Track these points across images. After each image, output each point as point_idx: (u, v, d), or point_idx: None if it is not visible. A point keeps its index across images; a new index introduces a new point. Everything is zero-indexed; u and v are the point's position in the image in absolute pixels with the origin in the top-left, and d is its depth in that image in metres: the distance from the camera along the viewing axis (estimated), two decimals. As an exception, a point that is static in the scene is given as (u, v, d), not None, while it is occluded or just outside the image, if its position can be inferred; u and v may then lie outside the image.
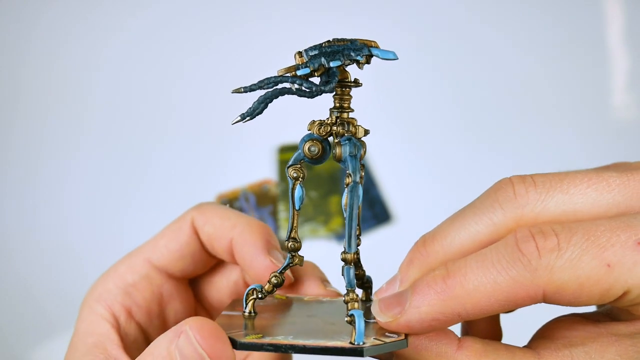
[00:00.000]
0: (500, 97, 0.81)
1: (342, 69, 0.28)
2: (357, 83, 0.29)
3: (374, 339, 0.27)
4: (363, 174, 0.29)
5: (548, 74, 0.81)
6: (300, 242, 0.31)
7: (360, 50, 0.28)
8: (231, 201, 0.70)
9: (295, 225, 0.30)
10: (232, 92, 0.28)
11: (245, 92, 0.27)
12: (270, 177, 0.70)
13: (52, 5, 0.81)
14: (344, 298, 0.29)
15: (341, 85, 0.29)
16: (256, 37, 0.77)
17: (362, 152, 0.29)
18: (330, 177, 0.77)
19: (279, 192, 0.69)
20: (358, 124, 0.29)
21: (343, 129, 0.29)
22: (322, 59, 0.27)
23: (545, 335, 0.29)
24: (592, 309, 0.30)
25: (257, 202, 0.71)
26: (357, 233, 0.30)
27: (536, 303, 0.27)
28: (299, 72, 0.27)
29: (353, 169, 0.28)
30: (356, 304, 0.28)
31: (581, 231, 0.26)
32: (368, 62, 0.28)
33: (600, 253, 0.26)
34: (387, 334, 0.28)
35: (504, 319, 0.33)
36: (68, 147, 0.83)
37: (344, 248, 0.29)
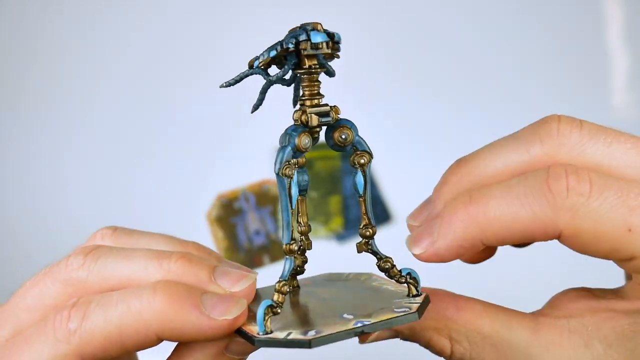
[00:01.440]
0: (500, 97, 0.81)
1: (304, 57, 0.27)
2: (321, 69, 0.28)
3: (407, 303, 0.28)
4: None
5: (548, 74, 0.81)
6: (298, 240, 0.30)
7: (294, 37, 0.27)
8: (231, 201, 0.70)
9: (294, 225, 0.29)
10: (220, 87, 0.28)
11: (228, 86, 0.27)
12: (270, 177, 0.70)
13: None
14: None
15: (307, 73, 0.28)
16: (257, 38, 0.78)
17: None
18: (330, 177, 0.77)
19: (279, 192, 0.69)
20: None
21: (336, 112, 0.28)
22: (267, 51, 0.27)
23: (549, 304, 0.30)
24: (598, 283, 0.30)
25: (257, 202, 0.71)
26: (366, 223, 0.30)
27: (551, 239, 0.27)
28: (255, 64, 0.27)
29: (367, 145, 0.28)
30: (395, 268, 0.29)
31: (616, 188, 0.26)
32: (313, 47, 0.27)
33: (627, 215, 0.26)
34: (394, 309, 0.28)
35: (519, 296, 0.34)
36: (66, 147, 0.83)
37: (370, 224, 0.29)
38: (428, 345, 0.30)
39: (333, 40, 0.27)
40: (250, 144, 0.77)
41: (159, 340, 0.27)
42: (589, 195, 0.26)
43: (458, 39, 0.80)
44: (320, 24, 0.27)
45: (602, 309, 0.28)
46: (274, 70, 0.28)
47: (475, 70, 0.81)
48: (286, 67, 0.27)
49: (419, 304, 0.28)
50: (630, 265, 0.27)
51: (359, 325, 0.27)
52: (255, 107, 0.28)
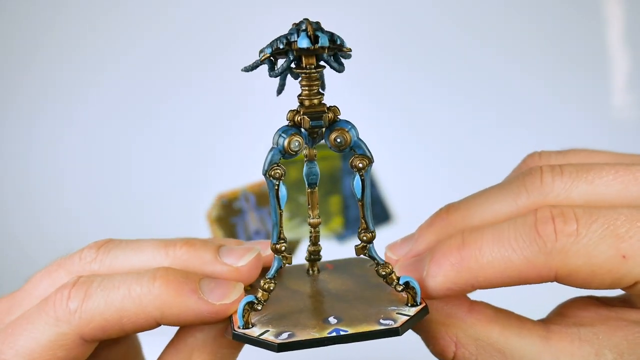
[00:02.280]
0: (500, 98, 0.81)
1: (297, 51, 0.27)
2: (309, 67, 0.27)
3: (398, 314, 0.28)
4: None
5: (547, 74, 0.81)
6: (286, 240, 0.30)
7: (285, 37, 0.26)
8: (231, 201, 0.70)
9: (282, 225, 0.29)
10: (241, 70, 0.28)
11: (246, 71, 0.27)
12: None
13: None
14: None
15: (305, 72, 0.27)
16: (259, 38, 0.77)
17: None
18: (331, 177, 0.77)
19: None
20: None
21: (334, 113, 0.28)
22: (268, 45, 0.27)
23: (559, 312, 0.30)
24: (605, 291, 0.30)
25: (257, 202, 0.71)
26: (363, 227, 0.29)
27: (548, 282, 0.27)
28: (259, 56, 0.27)
29: (367, 149, 0.28)
30: (394, 275, 0.28)
31: (602, 218, 0.26)
32: (300, 50, 0.26)
33: (618, 243, 0.26)
34: (380, 320, 0.28)
35: (527, 297, 0.34)
36: (66, 147, 0.83)
37: (368, 228, 0.29)
38: (430, 340, 0.29)
39: (317, 43, 0.26)
40: (250, 143, 0.77)
41: (158, 324, 0.28)
42: (576, 233, 0.26)
43: (457, 38, 0.80)
44: (312, 24, 0.26)
45: (613, 317, 0.28)
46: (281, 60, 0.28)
47: (475, 70, 0.81)
48: (284, 64, 0.27)
49: (409, 318, 0.27)
50: (635, 289, 0.27)
51: (333, 334, 0.27)
52: (278, 92, 0.28)
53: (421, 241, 0.30)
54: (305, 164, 0.30)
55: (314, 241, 0.32)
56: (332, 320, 0.28)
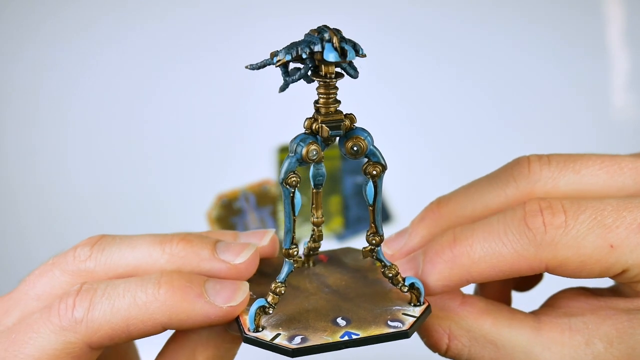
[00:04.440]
0: (499, 97, 0.81)
1: (320, 61, 0.26)
2: (330, 77, 0.26)
3: (404, 314, 0.28)
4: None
5: (547, 74, 0.81)
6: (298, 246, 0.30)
7: (308, 46, 0.26)
8: (231, 201, 0.70)
9: (295, 231, 0.29)
10: (245, 67, 0.27)
11: (252, 69, 0.27)
12: (270, 177, 0.70)
13: None
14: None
15: (323, 80, 0.27)
16: (258, 38, 0.78)
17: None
18: (331, 177, 0.77)
19: (279, 192, 0.69)
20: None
21: (351, 121, 0.27)
22: (286, 50, 0.26)
23: (549, 303, 0.30)
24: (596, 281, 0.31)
25: (257, 202, 0.71)
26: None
27: (539, 272, 0.28)
28: (274, 60, 0.26)
29: (381, 157, 0.28)
30: (400, 277, 0.29)
31: (590, 210, 0.27)
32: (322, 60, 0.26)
33: (605, 233, 0.26)
34: (388, 322, 0.28)
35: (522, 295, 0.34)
36: (64, 148, 0.83)
37: (377, 232, 0.29)
38: (424, 333, 0.30)
39: (346, 57, 0.25)
40: (250, 144, 0.77)
41: (165, 329, 0.28)
42: (565, 225, 0.27)
43: (457, 38, 0.80)
44: (337, 34, 0.25)
45: (602, 307, 0.28)
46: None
47: (475, 70, 0.81)
48: (302, 71, 0.26)
49: (415, 319, 0.28)
50: (623, 277, 0.27)
51: (345, 338, 0.27)
52: (282, 89, 0.27)
53: (414, 235, 0.31)
54: (312, 166, 0.30)
55: (317, 239, 0.32)
56: (340, 322, 0.28)
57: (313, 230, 0.32)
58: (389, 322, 0.28)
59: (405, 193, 0.72)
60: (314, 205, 0.32)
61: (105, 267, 0.29)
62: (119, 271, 0.29)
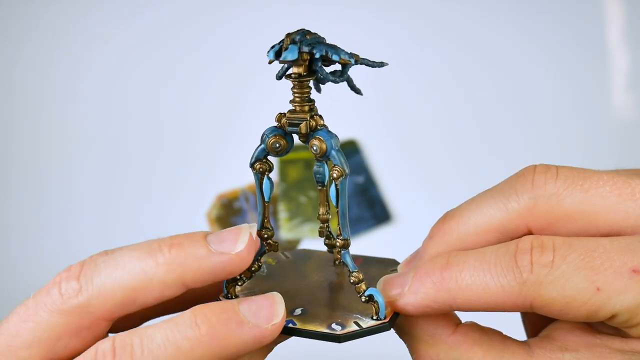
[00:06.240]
0: (499, 97, 0.81)
1: (293, 64, 0.27)
2: (298, 77, 0.28)
3: (355, 322, 0.28)
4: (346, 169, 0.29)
5: (547, 74, 0.80)
6: (272, 230, 0.31)
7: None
8: (231, 201, 0.70)
9: (267, 215, 0.31)
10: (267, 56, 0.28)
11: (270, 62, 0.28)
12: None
13: None
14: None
15: (296, 79, 0.28)
16: (256, 37, 0.77)
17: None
18: (330, 177, 0.77)
19: (279, 192, 0.69)
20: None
21: (316, 122, 0.29)
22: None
23: (546, 334, 0.29)
24: None
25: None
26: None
27: (526, 311, 0.28)
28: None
29: (342, 161, 0.28)
30: (363, 285, 0.29)
31: (579, 250, 0.26)
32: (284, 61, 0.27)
33: (591, 275, 0.26)
34: (372, 317, 0.28)
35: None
36: (63, 151, 0.83)
37: (341, 235, 0.30)
38: (413, 355, 0.30)
39: (302, 59, 0.26)
40: (250, 143, 0.77)
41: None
42: (551, 264, 0.26)
43: (457, 39, 0.80)
44: (293, 37, 0.26)
45: (598, 344, 0.28)
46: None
47: (475, 70, 0.81)
48: (280, 72, 0.28)
49: (358, 330, 0.28)
50: (614, 322, 0.27)
51: (288, 325, 0.28)
52: (279, 77, 0.29)
53: (425, 256, 0.31)
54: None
55: (327, 235, 0.34)
56: (297, 311, 0.29)
57: (320, 226, 0.34)
58: (333, 325, 0.28)
59: (406, 193, 0.72)
60: (319, 203, 0.34)
61: (100, 299, 0.27)
62: (117, 299, 0.27)
